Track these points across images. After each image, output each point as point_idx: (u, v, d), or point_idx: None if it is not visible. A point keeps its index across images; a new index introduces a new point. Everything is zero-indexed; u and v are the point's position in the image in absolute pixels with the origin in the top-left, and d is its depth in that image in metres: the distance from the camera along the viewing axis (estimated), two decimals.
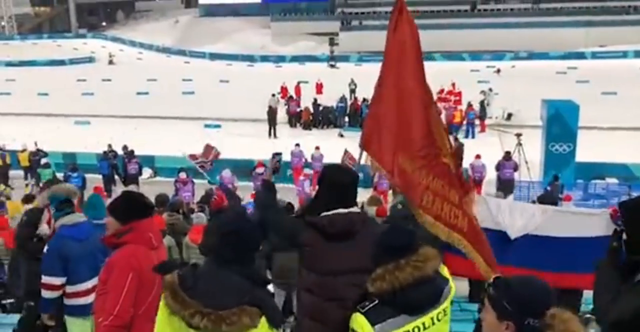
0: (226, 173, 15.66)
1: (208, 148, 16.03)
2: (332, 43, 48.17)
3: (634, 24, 46.60)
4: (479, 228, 3.38)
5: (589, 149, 16.91)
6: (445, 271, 2.56)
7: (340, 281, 2.77)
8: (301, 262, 2.98)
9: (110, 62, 50.23)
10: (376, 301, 2.37)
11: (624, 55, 43.30)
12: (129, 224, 3.22)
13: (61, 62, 50.53)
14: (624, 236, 2.64)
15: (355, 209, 2.92)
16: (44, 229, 4.97)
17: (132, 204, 3.36)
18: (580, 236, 3.89)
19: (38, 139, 19.51)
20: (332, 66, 46.08)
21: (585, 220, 3.98)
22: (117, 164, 17.84)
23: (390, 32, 3.53)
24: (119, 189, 14.79)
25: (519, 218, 4.09)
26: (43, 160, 17.69)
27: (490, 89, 27.20)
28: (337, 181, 2.91)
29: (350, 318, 2.44)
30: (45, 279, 3.95)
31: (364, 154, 3.57)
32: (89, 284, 3.92)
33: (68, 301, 4.00)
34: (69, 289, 3.98)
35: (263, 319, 2.27)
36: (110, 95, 33.52)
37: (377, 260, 2.43)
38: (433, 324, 2.41)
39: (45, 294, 3.97)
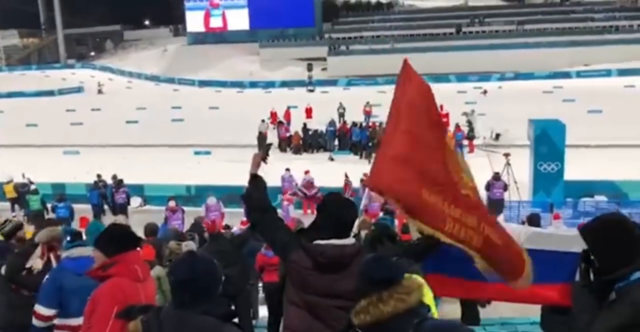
0: (211, 201, 15.60)
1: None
2: (309, 69, 49.47)
3: (617, 43, 47.46)
4: (500, 244, 3.54)
5: (577, 167, 17.05)
6: (427, 296, 2.55)
7: (328, 303, 2.79)
8: (288, 276, 3.00)
9: (100, 92, 50.36)
10: None
11: (608, 73, 44.04)
12: (114, 256, 3.21)
13: (50, 93, 50.61)
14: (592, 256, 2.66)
15: (349, 241, 2.93)
16: (36, 263, 4.93)
17: (118, 236, 3.36)
18: (558, 250, 3.92)
19: (26, 170, 19.40)
20: (311, 91, 46.88)
21: (566, 238, 4.01)
22: (107, 194, 17.77)
23: (398, 91, 3.67)
24: (108, 219, 14.70)
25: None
26: (32, 187, 17.68)
27: (473, 110, 27.51)
28: (339, 216, 2.95)
29: None
30: (37, 307, 3.91)
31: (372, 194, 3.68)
32: (80, 320, 3.85)
33: None
34: (60, 321, 3.93)
35: None
36: (99, 124, 33.54)
37: (359, 291, 2.41)
38: None
39: (36, 322, 3.94)
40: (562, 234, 4.25)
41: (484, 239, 3.42)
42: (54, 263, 4.57)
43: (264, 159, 3.35)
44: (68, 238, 4.35)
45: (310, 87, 47.78)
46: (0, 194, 18.80)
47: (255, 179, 3.27)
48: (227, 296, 5.24)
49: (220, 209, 15.46)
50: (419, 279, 2.55)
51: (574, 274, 3.60)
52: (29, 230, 6.58)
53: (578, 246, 3.71)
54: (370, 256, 2.66)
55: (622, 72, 43.36)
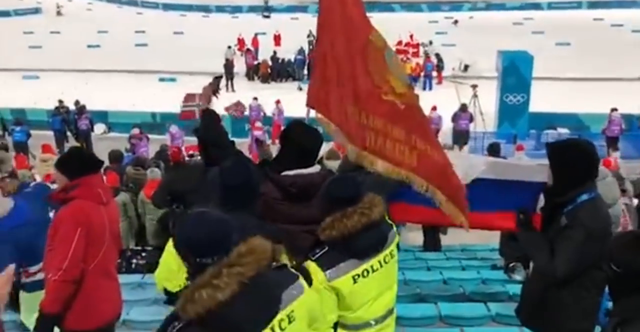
0: (173, 128, 15.48)
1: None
2: None
3: None
4: (435, 162, 3.31)
5: (542, 99, 17.24)
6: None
7: (299, 229, 2.81)
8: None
9: (58, 13, 47.93)
10: (326, 248, 2.45)
11: (579, 5, 43.71)
12: (77, 179, 3.16)
13: (5, 14, 47.92)
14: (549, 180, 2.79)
15: (315, 169, 2.93)
16: None
17: (80, 159, 3.29)
18: (519, 179, 4.00)
19: None
20: (266, 16, 45.21)
21: (527, 168, 4.09)
22: (70, 120, 17.38)
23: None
24: (71, 146, 14.46)
25: (463, 166, 4.16)
26: None
27: (430, 41, 27.46)
28: (303, 145, 2.91)
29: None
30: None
31: (312, 111, 3.51)
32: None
33: (26, 279, 3.68)
34: (31, 270, 3.64)
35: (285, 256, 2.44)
36: (59, 48, 32.19)
37: (324, 211, 2.49)
38: (381, 266, 2.52)
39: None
40: (523, 165, 4.33)
41: (418, 154, 3.22)
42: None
43: (215, 92, 3.26)
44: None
45: (266, 13, 46.03)
46: None
47: (208, 113, 3.19)
48: None
49: (182, 136, 15.35)
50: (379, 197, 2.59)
51: (533, 204, 3.71)
52: None
53: (538, 176, 3.82)
54: (332, 177, 2.69)
55: (592, 5, 43.07)
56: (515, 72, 16.22)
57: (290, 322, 1.87)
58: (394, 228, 2.67)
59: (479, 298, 4.88)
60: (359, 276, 2.45)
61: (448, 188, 3.36)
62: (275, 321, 1.82)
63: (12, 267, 1.54)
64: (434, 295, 4.98)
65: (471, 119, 15.90)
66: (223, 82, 23.98)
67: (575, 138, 3.06)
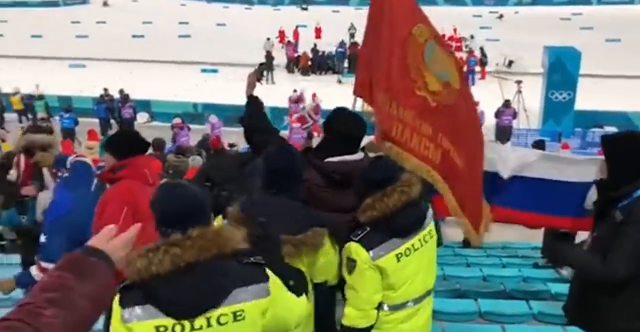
0: (213, 118, 15.69)
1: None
2: None
3: None
4: (455, 166, 3.23)
5: (590, 97, 16.78)
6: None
7: (341, 218, 2.76)
8: None
9: (105, 4, 48.97)
10: (368, 229, 2.46)
11: (631, 0, 42.32)
12: (124, 160, 3.21)
13: (54, 4, 49.20)
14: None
15: (359, 156, 2.88)
16: (11, 174, 4.79)
17: (128, 140, 3.34)
18: (567, 181, 3.89)
19: (32, 82, 19.26)
20: (304, 9, 45.29)
21: (577, 165, 3.96)
22: (114, 108, 17.74)
23: None
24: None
25: (513, 160, 4.07)
26: (38, 93, 18.20)
27: (472, 36, 26.95)
28: (346, 133, 2.86)
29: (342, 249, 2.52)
30: (44, 264, 3.39)
31: (359, 100, 3.47)
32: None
33: None
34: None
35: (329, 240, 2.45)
36: (105, 38, 32.87)
37: (362, 194, 2.51)
38: (422, 245, 2.55)
39: (39, 279, 3.25)
40: (575, 159, 4.18)
41: (442, 153, 3.16)
42: (47, 179, 4.22)
43: (259, 79, 3.24)
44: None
45: (304, 6, 46.12)
46: (8, 106, 18.80)
47: (253, 100, 3.18)
48: None
49: (221, 126, 15.56)
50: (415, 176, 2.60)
51: (583, 205, 3.60)
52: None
53: (588, 174, 3.71)
54: (368, 161, 2.68)
55: None
56: (562, 69, 15.80)
57: (235, 320, 1.80)
58: (430, 209, 2.67)
59: (520, 296, 4.78)
60: (401, 254, 2.48)
61: (460, 194, 3.29)
62: (213, 313, 1.76)
63: (137, 226, 1.54)
64: (474, 291, 4.89)
65: (515, 115, 15.58)
66: (264, 77, 24.15)
67: (631, 131, 2.92)
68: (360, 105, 3.40)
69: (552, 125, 15.93)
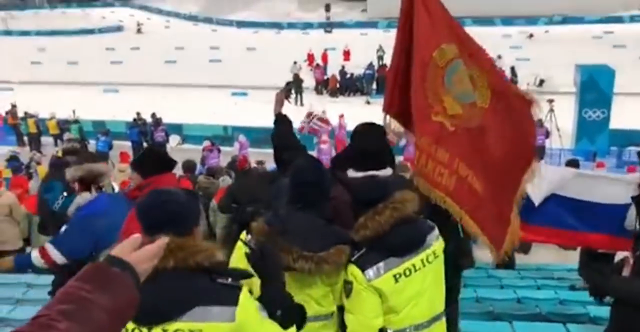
0: (241, 138, 15.89)
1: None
2: (327, 9, 48.91)
3: None
4: (474, 191, 3.12)
5: (624, 115, 16.43)
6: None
7: None
8: None
9: (139, 31, 50.27)
10: (364, 249, 2.40)
11: None
12: (150, 177, 3.24)
13: (90, 32, 50.75)
14: None
15: (387, 172, 2.86)
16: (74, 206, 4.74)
17: (154, 158, 3.40)
18: (604, 202, 3.77)
19: (68, 107, 19.79)
20: (328, 31, 45.94)
21: (613, 185, 3.85)
22: (146, 132, 18.08)
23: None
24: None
25: (546, 185, 3.97)
26: (74, 118, 18.86)
27: (499, 56, 26.81)
28: (363, 148, 2.88)
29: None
30: (52, 251, 3.47)
31: (388, 117, 3.45)
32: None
33: None
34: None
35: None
36: (138, 63, 33.67)
37: (356, 213, 2.46)
38: (424, 265, 2.45)
39: (37, 261, 3.51)
40: (610, 177, 4.07)
41: (457, 180, 3.05)
42: None
43: (287, 97, 3.27)
44: (64, 194, 4.23)
45: (328, 29, 46.77)
46: (45, 130, 19.33)
47: (282, 118, 3.21)
48: None
49: (248, 147, 15.79)
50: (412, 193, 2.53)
51: (621, 226, 3.49)
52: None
53: (624, 196, 3.60)
54: (359, 178, 2.65)
55: None
56: (595, 87, 15.55)
57: None
58: (436, 229, 2.58)
59: (557, 319, 4.62)
60: (400, 274, 2.39)
61: (480, 218, 3.16)
62: (170, 326, 1.74)
63: (165, 240, 1.51)
64: (508, 313, 4.76)
65: (547, 135, 15.32)
66: (292, 95, 24.35)
67: None
68: (389, 123, 3.38)
69: (586, 144, 15.62)
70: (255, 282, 2.09)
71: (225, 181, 7.26)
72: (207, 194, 7.47)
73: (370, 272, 2.36)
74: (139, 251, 1.37)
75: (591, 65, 16.66)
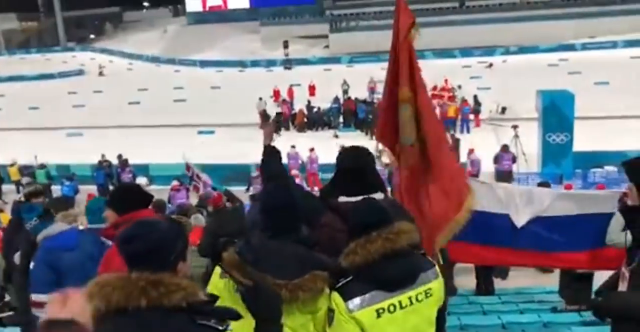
0: (205, 177, 15.65)
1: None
2: (285, 46, 49.93)
3: (622, 14, 46.67)
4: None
5: (586, 138, 16.84)
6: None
7: None
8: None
9: (100, 74, 50.03)
10: (350, 277, 2.28)
11: (614, 45, 43.34)
12: (127, 214, 3.07)
13: (50, 76, 50.25)
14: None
15: (379, 195, 2.78)
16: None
17: (130, 194, 3.23)
18: (585, 213, 3.79)
19: (31, 153, 19.37)
20: (288, 68, 46.78)
21: (592, 199, 3.87)
22: (113, 174, 17.75)
23: (395, 32, 3.63)
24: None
25: (527, 204, 3.97)
26: (40, 162, 18.35)
27: (459, 85, 27.58)
28: (348, 164, 2.81)
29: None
30: (34, 297, 3.55)
31: (380, 146, 3.59)
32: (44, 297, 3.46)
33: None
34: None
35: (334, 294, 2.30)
36: (101, 106, 33.35)
37: (350, 236, 2.36)
38: (411, 303, 2.30)
39: (37, 312, 3.54)
40: (591, 193, 4.12)
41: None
42: None
43: (277, 130, 3.31)
44: (35, 219, 4.14)
45: (287, 65, 47.56)
46: (6, 177, 18.81)
47: (270, 149, 3.23)
48: None
49: (211, 184, 15.54)
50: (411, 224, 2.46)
51: (601, 239, 3.47)
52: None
53: (609, 205, 3.61)
54: (360, 200, 2.55)
55: (629, 44, 42.65)
56: (557, 112, 15.96)
57: None
58: (436, 267, 2.44)
59: None
60: (383, 310, 2.25)
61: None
62: None
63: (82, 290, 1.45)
64: None
65: (514, 159, 15.60)
66: (260, 132, 24.38)
67: None
68: (382, 150, 3.54)
69: (552, 167, 15.91)
70: (249, 323, 1.97)
71: (198, 219, 7.09)
72: None
73: (353, 302, 2.24)
74: (69, 305, 1.37)
75: (552, 91, 17.12)
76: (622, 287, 2.61)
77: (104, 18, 75.26)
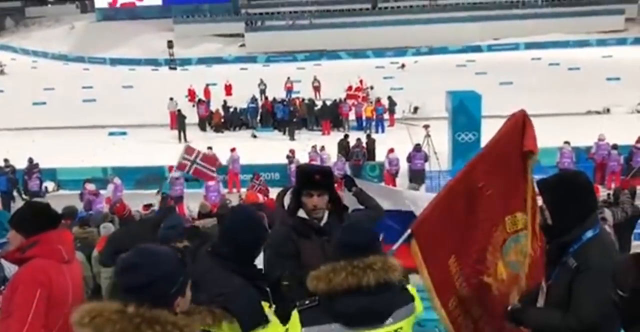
0: (117, 180, 15.24)
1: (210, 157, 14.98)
2: (170, 46, 48.60)
3: (523, 18, 49.44)
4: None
5: (491, 137, 17.63)
6: (414, 290, 2.36)
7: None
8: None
9: (1, 72, 47.14)
10: (316, 302, 2.18)
11: (516, 47, 45.83)
12: (34, 236, 2.85)
13: None
14: (548, 219, 2.56)
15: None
16: None
17: (37, 214, 2.97)
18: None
19: None
20: (173, 68, 46.46)
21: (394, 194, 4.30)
22: (17, 179, 16.76)
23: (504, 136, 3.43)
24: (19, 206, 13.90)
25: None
26: None
27: (371, 86, 28.34)
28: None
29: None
30: None
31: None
32: None
33: None
34: None
35: (226, 324, 2.16)
36: (3, 106, 31.36)
37: (333, 256, 2.26)
38: None
39: None
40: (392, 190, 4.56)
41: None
42: None
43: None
44: None
45: (172, 65, 47.08)
46: None
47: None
48: None
49: (123, 189, 15.14)
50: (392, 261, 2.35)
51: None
52: None
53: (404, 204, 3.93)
54: (352, 221, 2.57)
55: (529, 46, 45.22)
56: (465, 111, 16.62)
57: None
58: (414, 303, 2.29)
59: None
60: None
61: None
62: None
63: None
64: None
65: (426, 158, 16.11)
66: (175, 133, 23.82)
67: (565, 171, 2.91)
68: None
69: (461, 165, 16.38)
70: None
71: (107, 228, 6.84)
72: (86, 244, 7.00)
73: (308, 330, 2.14)
74: None
75: (460, 92, 17.81)
76: (541, 300, 2.64)
77: (4, 13, 70.78)
